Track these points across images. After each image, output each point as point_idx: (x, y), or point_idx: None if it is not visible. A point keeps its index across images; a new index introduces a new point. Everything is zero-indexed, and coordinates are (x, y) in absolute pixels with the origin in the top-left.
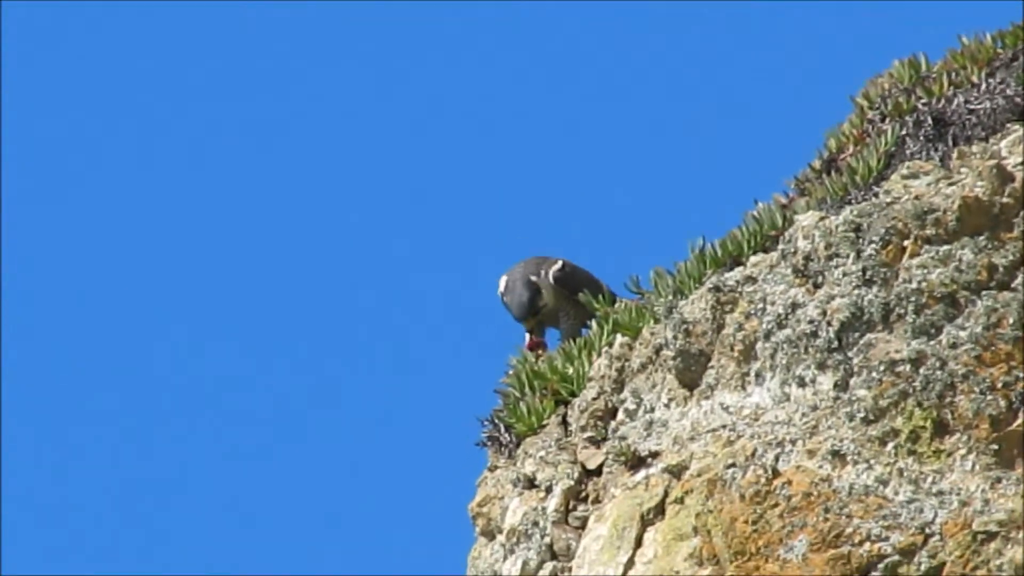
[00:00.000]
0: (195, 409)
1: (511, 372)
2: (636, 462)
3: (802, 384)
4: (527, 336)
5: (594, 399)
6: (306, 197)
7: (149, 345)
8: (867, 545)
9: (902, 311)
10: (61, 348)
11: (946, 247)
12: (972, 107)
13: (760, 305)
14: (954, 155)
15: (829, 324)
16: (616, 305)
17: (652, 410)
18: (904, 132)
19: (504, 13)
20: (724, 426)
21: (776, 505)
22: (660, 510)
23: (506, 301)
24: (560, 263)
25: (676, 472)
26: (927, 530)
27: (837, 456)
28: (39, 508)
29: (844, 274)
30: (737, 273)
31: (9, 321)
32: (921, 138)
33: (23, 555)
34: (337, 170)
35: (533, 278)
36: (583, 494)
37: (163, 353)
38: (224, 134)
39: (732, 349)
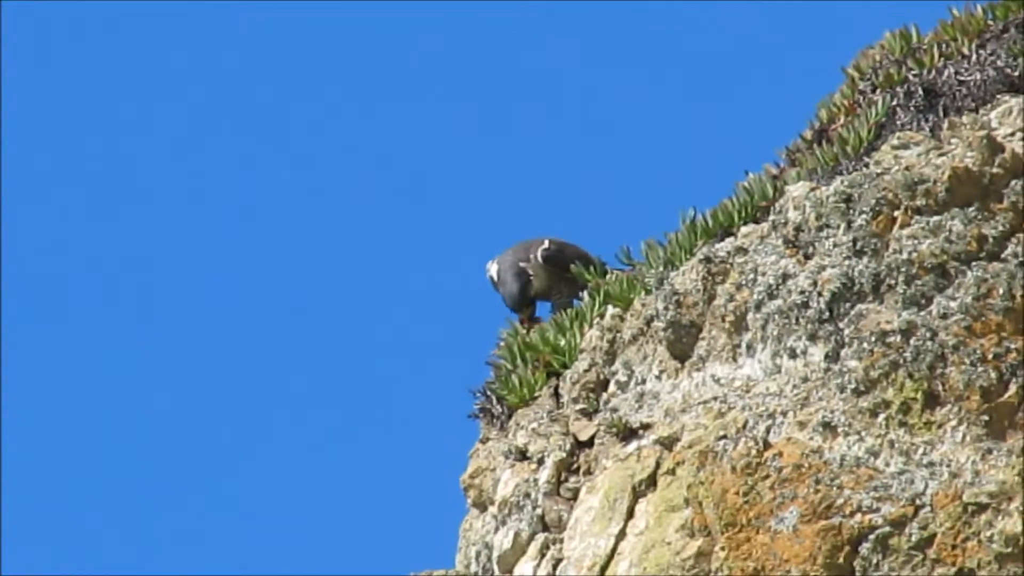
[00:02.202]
0: (189, 400)
1: (503, 344)
2: (628, 434)
3: (793, 355)
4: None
5: (586, 371)
6: (292, 187)
7: (147, 342)
8: (858, 516)
9: (892, 282)
10: (61, 347)
11: (936, 218)
12: (963, 78)
13: (751, 276)
14: (944, 126)
15: (820, 295)
16: (607, 276)
17: (643, 382)
18: (895, 103)
19: None
20: (715, 398)
21: (767, 477)
22: (652, 482)
23: (500, 292)
24: (546, 242)
25: (668, 444)
26: (918, 501)
27: (828, 427)
28: (39, 508)
29: (835, 245)
30: (728, 244)
31: (10, 321)
32: (912, 109)
33: (23, 555)
34: (333, 160)
35: (523, 265)
36: (575, 466)
37: (161, 347)
38: (214, 134)
39: (723, 320)
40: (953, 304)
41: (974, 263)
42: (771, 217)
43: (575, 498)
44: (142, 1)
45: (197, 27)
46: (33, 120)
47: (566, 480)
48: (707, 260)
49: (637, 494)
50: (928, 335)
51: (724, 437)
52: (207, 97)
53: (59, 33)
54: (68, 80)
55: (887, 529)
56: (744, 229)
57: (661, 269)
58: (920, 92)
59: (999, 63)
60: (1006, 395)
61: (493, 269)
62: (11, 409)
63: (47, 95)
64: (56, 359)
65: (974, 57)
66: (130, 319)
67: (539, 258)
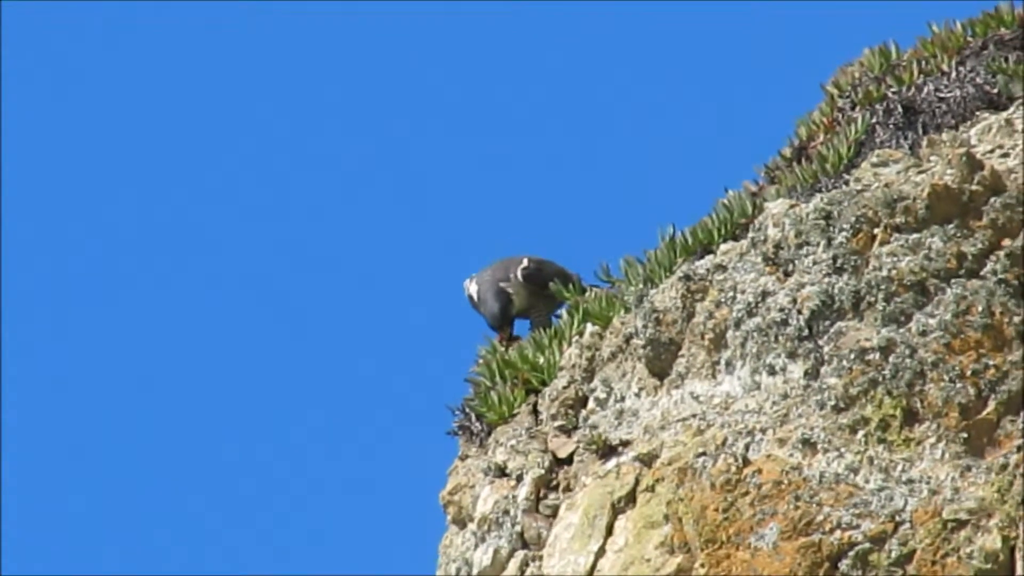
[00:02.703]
0: (190, 401)
1: (482, 361)
2: (607, 451)
3: (772, 372)
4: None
5: (565, 388)
6: (293, 190)
7: (147, 342)
8: (837, 533)
9: (872, 299)
10: (61, 347)
11: (916, 235)
12: (942, 95)
13: (730, 293)
14: (924, 143)
15: (799, 312)
16: (587, 294)
17: (623, 399)
18: (874, 120)
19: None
20: (694, 415)
21: (747, 493)
22: (631, 498)
23: (480, 312)
24: (525, 260)
25: (647, 461)
26: (897, 518)
27: (807, 444)
28: (39, 508)
29: (814, 262)
30: (707, 261)
31: (10, 321)
32: (891, 126)
33: (23, 555)
34: (315, 167)
35: (503, 284)
36: (554, 483)
37: (161, 347)
38: (212, 134)
39: (702, 338)
40: (932, 321)
41: (953, 280)
42: (751, 234)
43: (554, 515)
44: (142, 1)
45: (197, 27)
46: (33, 120)
47: (545, 497)
48: (686, 277)
49: (616, 511)
50: (907, 352)
51: (703, 454)
52: (207, 97)
53: (59, 33)
54: (68, 80)
55: (867, 545)
56: (724, 246)
57: (640, 287)
58: (899, 109)
59: (978, 80)
60: (985, 412)
61: (472, 287)
62: (11, 409)
63: (47, 95)
64: (56, 359)
65: (953, 74)
66: (130, 319)
67: (519, 276)
